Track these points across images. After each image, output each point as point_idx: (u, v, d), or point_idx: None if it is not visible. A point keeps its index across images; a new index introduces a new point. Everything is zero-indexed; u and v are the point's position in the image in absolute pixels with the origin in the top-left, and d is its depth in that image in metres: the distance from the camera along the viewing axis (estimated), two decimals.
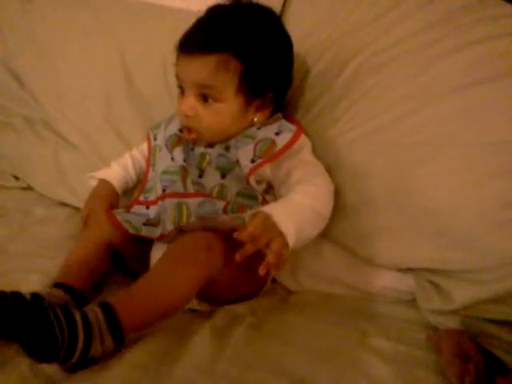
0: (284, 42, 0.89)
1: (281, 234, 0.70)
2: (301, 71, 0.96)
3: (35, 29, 1.24)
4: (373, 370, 0.66)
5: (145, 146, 1.03)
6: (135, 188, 1.04)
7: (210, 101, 0.83)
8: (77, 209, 1.10)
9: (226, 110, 0.84)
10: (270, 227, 0.71)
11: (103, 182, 0.98)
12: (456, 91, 0.78)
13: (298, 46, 0.92)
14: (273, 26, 0.88)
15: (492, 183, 0.74)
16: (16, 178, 1.21)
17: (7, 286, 0.69)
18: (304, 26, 1.00)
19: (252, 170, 0.83)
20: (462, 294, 0.75)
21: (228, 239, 0.77)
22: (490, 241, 0.73)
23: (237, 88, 0.82)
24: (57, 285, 0.78)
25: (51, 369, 0.63)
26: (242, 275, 0.81)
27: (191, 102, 0.84)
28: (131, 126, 1.12)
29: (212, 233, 0.79)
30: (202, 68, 0.81)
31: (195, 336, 0.70)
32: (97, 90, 1.15)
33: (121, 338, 0.65)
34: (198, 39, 0.82)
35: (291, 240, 0.71)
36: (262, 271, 0.68)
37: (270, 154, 0.83)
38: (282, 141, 0.83)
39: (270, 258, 0.68)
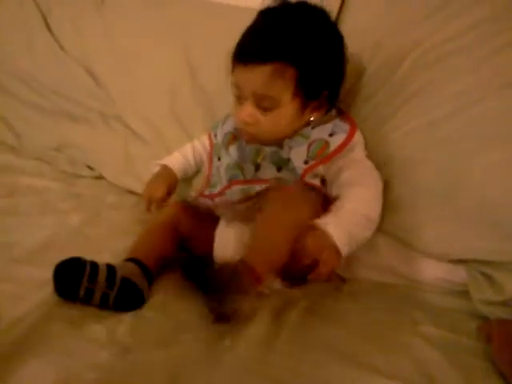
0: (336, 40, 0.89)
1: (333, 246, 0.77)
2: (358, 68, 0.99)
3: (109, 29, 1.33)
4: (422, 353, 0.69)
5: (205, 139, 1.09)
6: (194, 177, 1.12)
7: (268, 109, 0.85)
8: None
9: (284, 114, 0.86)
10: (324, 239, 0.78)
11: (164, 167, 1.06)
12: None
13: (356, 43, 0.94)
14: (324, 27, 0.88)
15: None
16: (90, 167, 1.31)
17: None
18: (361, 22, 1.02)
19: (306, 171, 0.86)
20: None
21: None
22: None
23: (293, 93, 0.84)
24: (127, 259, 0.85)
25: None
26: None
27: (250, 109, 0.86)
28: (194, 119, 1.20)
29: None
30: (260, 78, 0.83)
31: (256, 316, 0.76)
32: (164, 85, 1.23)
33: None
34: (254, 49, 0.84)
35: (344, 249, 0.78)
36: (311, 279, 0.77)
37: (322, 155, 0.86)
38: (335, 142, 0.87)
39: (322, 268, 0.76)
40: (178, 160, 1.08)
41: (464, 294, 0.84)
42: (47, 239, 0.94)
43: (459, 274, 0.84)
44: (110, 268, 0.78)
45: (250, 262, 0.75)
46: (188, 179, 1.13)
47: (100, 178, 1.28)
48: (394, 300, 0.85)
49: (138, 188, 1.18)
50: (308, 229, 0.79)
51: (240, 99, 0.89)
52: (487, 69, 0.82)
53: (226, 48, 1.07)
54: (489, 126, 0.79)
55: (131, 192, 1.22)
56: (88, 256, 0.86)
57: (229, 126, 0.99)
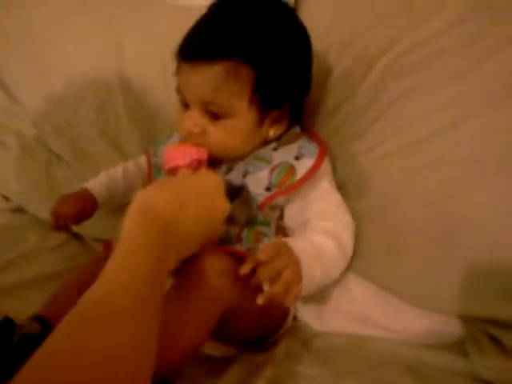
0: (302, 40, 0.75)
1: (297, 262, 0.61)
2: (319, 74, 0.82)
3: (26, 33, 1.13)
4: None
5: (143, 160, 0.92)
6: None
7: (220, 118, 0.70)
8: (73, 235, 1.01)
9: (239, 126, 0.71)
10: (287, 252, 0.62)
11: (82, 189, 0.87)
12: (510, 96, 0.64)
13: (316, 44, 0.78)
14: (288, 22, 0.73)
15: None
16: (6, 198, 1.09)
17: None
18: (323, 18, 0.85)
19: (267, 200, 0.71)
20: None
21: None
22: None
23: (250, 99, 0.69)
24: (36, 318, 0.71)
25: None
26: (257, 310, 0.69)
27: (197, 118, 0.71)
28: (129, 137, 1.02)
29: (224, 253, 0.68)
30: (208, 81, 0.68)
31: None
32: (92, 99, 1.05)
33: None
34: (202, 44, 0.69)
35: (304, 274, 0.62)
36: (260, 301, 0.59)
37: (288, 183, 0.71)
38: (302, 168, 0.71)
39: (278, 286, 0.58)
40: (100, 181, 0.89)
41: (462, 346, 0.68)
42: None
43: (454, 324, 0.69)
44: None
45: None
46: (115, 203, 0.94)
47: (19, 210, 1.07)
48: (373, 360, 0.69)
49: None
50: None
51: (185, 105, 0.73)
52: (477, 75, 0.67)
53: (165, 53, 0.92)
54: (487, 148, 0.64)
55: None
56: None
57: None
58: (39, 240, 0.99)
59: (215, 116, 0.70)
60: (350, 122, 0.79)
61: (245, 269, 0.59)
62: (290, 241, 0.65)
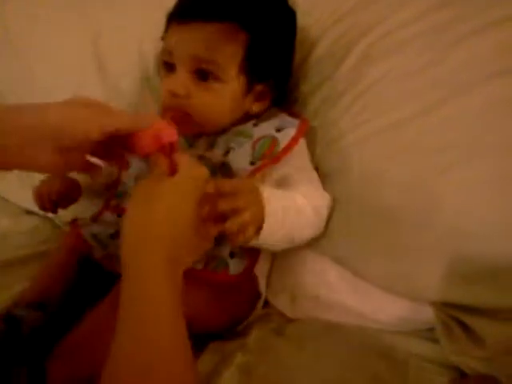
0: (291, 19, 0.77)
1: (261, 206, 0.60)
2: (298, 56, 0.81)
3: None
4: None
5: None
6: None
7: (209, 79, 0.69)
8: (46, 218, 0.99)
9: (226, 90, 0.70)
10: (252, 193, 0.61)
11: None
12: (488, 80, 0.63)
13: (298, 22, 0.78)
14: None
15: None
16: None
17: None
18: (303, 2, 0.82)
19: (252, 174, 0.69)
20: (495, 338, 0.60)
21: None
22: None
23: (240, 66, 0.69)
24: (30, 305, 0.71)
25: None
26: (220, 305, 0.73)
27: (183, 78, 0.69)
28: None
29: None
30: (202, 38, 0.67)
31: None
32: (68, 84, 1.01)
33: None
34: (199, 5, 0.70)
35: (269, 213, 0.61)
36: (212, 231, 0.57)
37: (272, 154, 0.69)
38: (285, 137, 0.70)
39: (231, 223, 0.56)
40: None
41: (434, 333, 0.68)
42: None
43: (426, 311, 0.68)
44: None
45: None
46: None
47: None
48: (348, 347, 0.69)
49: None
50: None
51: (171, 68, 0.71)
52: (461, 55, 0.65)
53: (142, 39, 0.91)
54: (464, 132, 0.63)
55: (29, 212, 1.01)
56: None
57: None
58: (10, 224, 0.97)
59: (204, 76, 0.69)
60: (327, 105, 0.77)
61: (209, 188, 0.56)
62: (262, 187, 0.63)
